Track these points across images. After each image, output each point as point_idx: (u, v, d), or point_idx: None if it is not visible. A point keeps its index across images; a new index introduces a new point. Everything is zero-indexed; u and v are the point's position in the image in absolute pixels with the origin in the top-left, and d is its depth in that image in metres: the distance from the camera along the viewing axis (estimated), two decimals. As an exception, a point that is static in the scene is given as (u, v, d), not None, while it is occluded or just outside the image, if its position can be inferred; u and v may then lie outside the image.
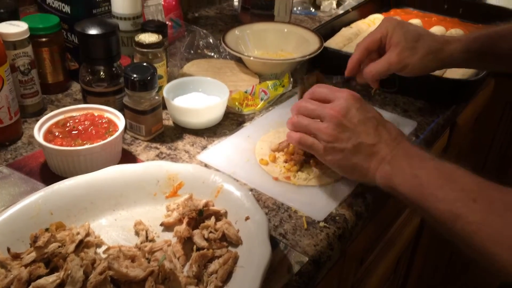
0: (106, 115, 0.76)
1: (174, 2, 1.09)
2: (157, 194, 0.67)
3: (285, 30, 1.10)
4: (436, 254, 1.47)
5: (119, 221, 0.64)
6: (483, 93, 1.23)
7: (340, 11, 1.40)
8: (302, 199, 0.71)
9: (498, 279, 0.53)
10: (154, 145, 0.80)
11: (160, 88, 0.84)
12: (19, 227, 0.58)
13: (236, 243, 0.60)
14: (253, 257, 0.56)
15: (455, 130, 1.12)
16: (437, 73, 0.92)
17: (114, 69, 0.82)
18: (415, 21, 1.24)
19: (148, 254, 0.59)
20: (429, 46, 0.78)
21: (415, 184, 0.59)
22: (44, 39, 0.86)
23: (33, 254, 0.56)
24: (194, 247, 0.60)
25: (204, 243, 0.60)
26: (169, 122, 0.86)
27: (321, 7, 1.43)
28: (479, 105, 1.25)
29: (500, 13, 1.29)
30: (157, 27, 0.88)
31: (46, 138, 0.71)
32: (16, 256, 0.56)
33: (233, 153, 0.79)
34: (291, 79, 0.97)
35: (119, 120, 0.75)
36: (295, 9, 1.40)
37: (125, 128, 0.79)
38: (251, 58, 0.98)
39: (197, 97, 0.87)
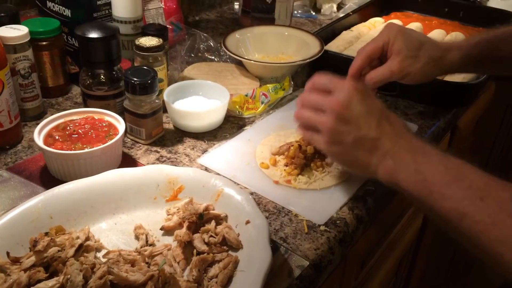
0: (106, 118, 0.76)
1: (174, 6, 1.09)
2: (157, 198, 0.67)
3: (286, 33, 1.10)
4: (437, 257, 1.47)
5: (119, 225, 0.64)
6: (484, 96, 1.23)
7: (341, 15, 1.40)
8: (303, 203, 0.70)
9: (504, 279, 0.52)
10: (154, 148, 0.80)
11: (161, 91, 0.84)
12: (18, 231, 0.58)
13: (237, 247, 0.60)
14: (254, 261, 0.55)
15: (456, 134, 1.12)
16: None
17: (114, 72, 0.82)
18: (416, 24, 1.24)
19: (148, 258, 0.59)
20: (430, 54, 0.78)
21: (419, 180, 0.57)
22: (44, 43, 0.86)
23: (33, 258, 0.55)
24: (194, 251, 0.60)
25: (204, 247, 0.60)
26: (170, 126, 0.86)
27: (322, 10, 1.43)
28: (480, 108, 1.25)
29: (501, 16, 1.28)
30: (157, 30, 0.88)
31: (46, 142, 0.71)
32: (15, 260, 0.56)
33: (234, 156, 0.79)
34: (292, 83, 0.97)
35: (120, 124, 0.75)
36: (295, 12, 1.40)
37: (126, 131, 0.79)
38: (252, 61, 0.98)
39: (197, 100, 0.87)
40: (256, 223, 0.60)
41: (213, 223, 0.63)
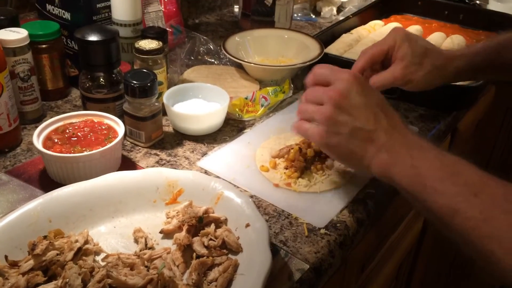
0: (106, 121, 0.76)
1: (174, 9, 1.09)
2: (157, 201, 0.66)
3: (286, 36, 1.10)
4: (438, 260, 1.46)
5: (118, 228, 0.64)
6: (484, 99, 1.23)
7: (341, 17, 1.40)
8: (303, 206, 0.70)
9: (495, 280, 0.51)
10: (154, 151, 0.80)
11: (160, 94, 0.84)
12: (17, 235, 0.58)
13: (236, 250, 0.60)
14: (254, 265, 0.55)
15: (456, 136, 1.11)
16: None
17: (114, 75, 0.82)
18: (416, 27, 1.24)
19: (147, 261, 0.59)
20: (434, 63, 0.77)
21: (413, 174, 0.57)
22: (44, 46, 0.86)
23: (31, 262, 0.55)
24: (194, 254, 0.60)
25: (204, 251, 0.60)
26: (169, 129, 0.86)
27: (322, 13, 1.43)
28: (480, 111, 1.25)
29: (501, 19, 1.28)
30: (157, 33, 0.88)
31: (45, 145, 0.71)
32: (14, 264, 0.56)
33: (233, 159, 0.79)
34: (292, 85, 0.97)
35: (119, 127, 0.75)
36: (295, 15, 1.40)
37: (125, 134, 0.78)
38: (252, 64, 0.98)
39: (197, 103, 0.87)
40: (256, 226, 0.59)
41: (212, 226, 0.62)
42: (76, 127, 0.74)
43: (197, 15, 1.36)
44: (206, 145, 0.83)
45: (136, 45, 0.83)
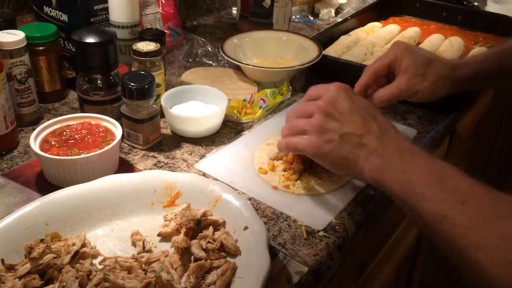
0: (103, 123, 0.76)
1: (172, 11, 1.09)
2: (155, 204, 0.66)
3: (284, 38, 1.10)
4: (437, 261, 1.46)
5: (115, 231, 0.63)
6: (482, 101, 1.23)
7: (339, 19, 1.40)
8: (302, 208, 0.70)
9: None
10: (151, 154, 0.80)
11: (158, 96, 0.84)
12: (13, 238, 0.58)
13: (235, 253, 0.60)
14: (252, 268, 0.55)
15: (455, 138, 1.11)
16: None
17: (111, 77, 0.82)
18: (414, 29, 1.24)
19: (145, 265, 0.58)
20: (438, 72, 0.77)
21: (404, 180, 0.57)
22: (41, 48, 0.86)
23: (28, 266, 0.55)
24: (192, 257, 0.59)
25: (202, 254, 0.60)
26: (167, 131, 0.86)
27: (320, 15, 1.43)
28: (478, 112, 1.25)
29: (499, 21, 1.29)
30: (155, 35, 0.88)
31: (42, 147, 0.70)
32: (10, 268, 0.55)
33: (232, 161, 0.78)
34: (290, 87, 0.97)
35: (116, 129, 0.74)
36: (293, 17, 1.40)
37: (123, 137, 0.78)
38: (250, 66, 0.97)
39: (195, 105, 0.86)
40: (254, 228, 0.59)
41: (211, 229, 0.62)
42: (74, 130, 0.74)
43: (195, 17, 1.36)
44: (204, 147, 0.82)
45: (134, 47, 0.83)
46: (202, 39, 1.09)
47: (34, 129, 0.72)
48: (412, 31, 1.22)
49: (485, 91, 1.22)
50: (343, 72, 1.01)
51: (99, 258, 0.59)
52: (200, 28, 1.32)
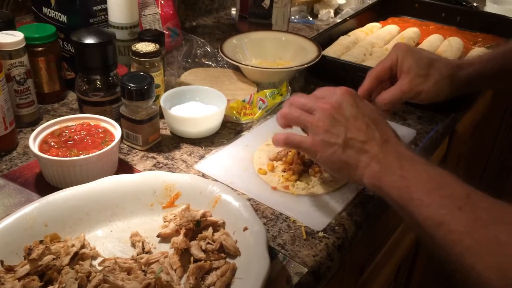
0: (103, 124, 0.76)
1: (171, 11, 1.08)
2: (154, 205, 0.66)
3: (283, 38, 1.10)
4: (437, 261, 1.46)
5: (115, 232, 0.63)
6: (482, 100, 1.23)
7: (338, 20, 1.40)
8: (301, 209, 0.70)
9: None
10: (151, 154, 0.80)
11: (157, 97, 0.84)
12: (13, 239, 0.57)
13: (234, 254, 0.59)
14: (252, 269, 0.55)
15: (455, 138, 1.11)
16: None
17: (110, 78, 0.81)
18: (413, 30, 1.24)
19: (145, 266, 0.58)
20: (441, 72, 0.77)
21: (402, 186, 0.57)
22: (40, 49, 0.86)
23: (27, 267, 0.55)
24: (192, 258, 0.59)
25: (201, 255, 0.59)
26: (166, 132, 0.86)
27: (319, 15, 1.43)
28: (478, 112, 1.25)
29: (498, 21, 1.29)
30: (154, 36, 0.88)
31: (41, 148, 0.70)
32: (9, 269, 0.55)
33: (231, 162, 0.78)
34: (289, 88, 0.97)
35: (116, 130, 0.74)
36: (292, 17, 1.40)
37: (122, 137, 0.78)
38: (249, 66, 0.97)
39: (194, 106, 0.86)
40: (254, 229, 0.59)
41: (210, 230, 0.62)
42: (73, 131, 0.74)
43: (194, 17, 1.36)
44: (203, 148, 0.82)
45: (133, 48, 0.83)
46: (201, 40, 1.09)
47: (33, 130, 0.72)
48: (411, 32, 1.22)
49: (485, 91, 1.22)
50: (343, 72, 1.01)
51: (99, 259, 0.59)
52: (199, 29, 1.32)
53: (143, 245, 0.61)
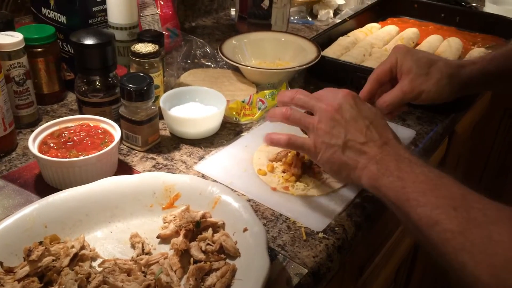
0: (102, 125, 0.76)
1: (170, 12, 1.08)
2: (154, 206, 0.66)
3: (282, 39, 1.10)
4: (436, 263, 1.46)
5: (114, 233, 0.63)
6: (481, 101, 1.23)
7: (337, 20, 1.40)
8: (301, 210, 0.70)
9: None
10: (150, 155, 0.80)
11: (157, 98, 0.84)
12: (12, 241, 0.57)
13: (234, 255, 0.59)
14: (252, 270, 0.55)
15: (454, 139, 1.11)
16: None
17: (110, 79, 0.81)
18: (412, 30, 1.24)
19: (144, 267, 0.58)
20: (443, 71, 0.76)
21: (399, 187, 0.58)
22: (39, 50, 0.86)
23: (27, 268, 0.55)
24: (191, 259, 0.59)
25: (201, 256, 0.59)
26: (166, 132, 0.86)
27: (318, 16, 1.43)
28: (477, 112, 1.25)
29: (497, 22, 1.29)
30: (153, 37, 0.88)
31: (40, 149, 0.70)
32: (9, 271, 0.55)
33: (231, 163, 0.78)
34: (289, 88, 0.97)
35: (115, 131, 0.74)
36: (292, 18, 1.40)
37: (121, 138, 0.78)
38: (249, 67, 0.97)
39: (194, 107, 0.86)
40: (253, 230, 0.59)
41: (210, 231, 0.62)
42: (72, 131, 0.74)
43: (193, 18, 1.36)
44: (203, 149, 0.82)
45: (132, 49, 0.83)
46: (201, 41, 1.09)
47: (32, 131, 0.72)
48: (410, 32, 1.22)
49: (484, 93, 1.22)
50: (342, 73, 1.01)
51: (98, 261, 0.59)
52: (199, 30, 1.32)
53: (142, 246, 0.61)
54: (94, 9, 0.89)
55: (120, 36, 0.90)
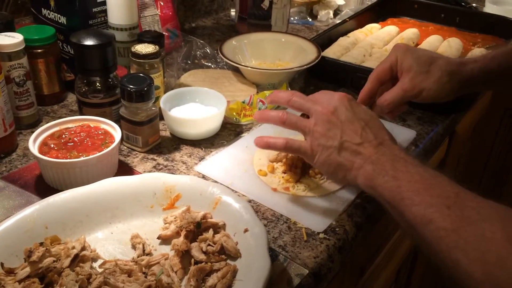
0: (102, 126, 0.76)
1: (171, 13, 1.08)
2: (154, 207, 0.66)
3: (283, 39, 1.10)
4: (436, 263, 1.46)
5: (115, 234, 0.63)
6: (481, 101, 1.23)
7: (337, 21, 1.40)
8: (302, 210, 0.70)
9: None
10: (151, 156, 0.80)
11: (157, 98, 0.84)
12: (13, 242, 0.57)
13: (235, 256, 0.59)
14: (252, 270, 0.55)
15: (454, 139, 1.11)
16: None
17: (110, 80, 0.81)
18: (412, 30, 1.24)
19: (145, 268, 0.58)
20: (444, 69, 0.76)
21: (394, 186, 0.58)
22: (39, 50, 0.86)
23: (27, 269, 0.55)
24: (192, 260, 0.59)
25: (202, 256, 0.59)
26: (166, 133, 0.86)
27: (318, 16, 1.43)
28: (477, 113, 1.25)
29: (497, 22, 1.29)
30: (153, 37, 0.88)
31: (41, 150, 0.70)
32: (10, 272, 0.55)
33: (231, 164, 0.78)
34: (289, 89, 0.97)
35: (116, 132, 0.74)
36: (292, 18, 1.40)
37: (122, 139, 0.78)
38: (249, 68, 0.97)
39: (194, 107, 0.86)
40: (254, 231, 0.59)
41: (211, 231, 0.62)
42: (73, 132, 0.74)
43: (193, 19, 1.36)
44: (203, 149, 0.82)
45: (133, 49, 0.83)
46: (201, 41, 1.09)
47: (33, 132, 0.72)
48: (410, 33, 1.22)
49: (484, 92, 1.22)
50: (342, 73, 1.01)
51: (99, 261, 0.59)
52: (199, 30, 1.32)
53: (143, 247, 0.61)
54: (94, 10, 0.89)
55: (120, 37, 0.90)
